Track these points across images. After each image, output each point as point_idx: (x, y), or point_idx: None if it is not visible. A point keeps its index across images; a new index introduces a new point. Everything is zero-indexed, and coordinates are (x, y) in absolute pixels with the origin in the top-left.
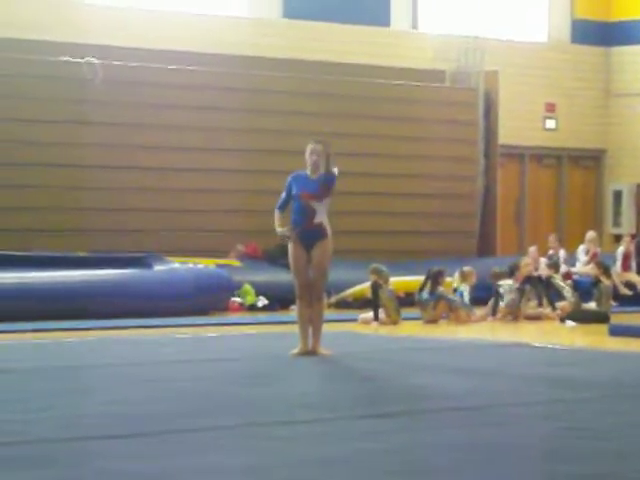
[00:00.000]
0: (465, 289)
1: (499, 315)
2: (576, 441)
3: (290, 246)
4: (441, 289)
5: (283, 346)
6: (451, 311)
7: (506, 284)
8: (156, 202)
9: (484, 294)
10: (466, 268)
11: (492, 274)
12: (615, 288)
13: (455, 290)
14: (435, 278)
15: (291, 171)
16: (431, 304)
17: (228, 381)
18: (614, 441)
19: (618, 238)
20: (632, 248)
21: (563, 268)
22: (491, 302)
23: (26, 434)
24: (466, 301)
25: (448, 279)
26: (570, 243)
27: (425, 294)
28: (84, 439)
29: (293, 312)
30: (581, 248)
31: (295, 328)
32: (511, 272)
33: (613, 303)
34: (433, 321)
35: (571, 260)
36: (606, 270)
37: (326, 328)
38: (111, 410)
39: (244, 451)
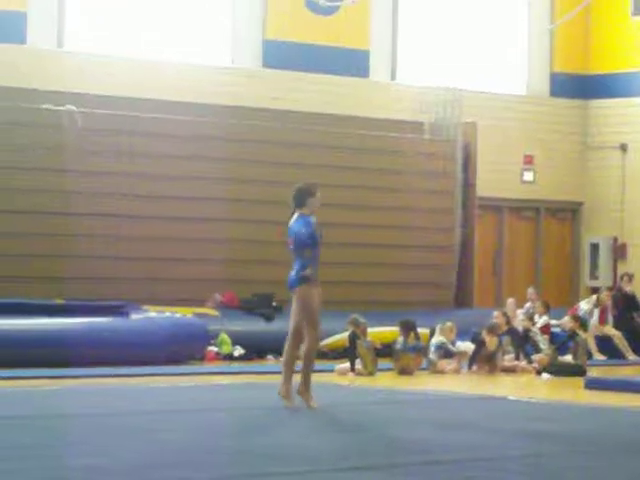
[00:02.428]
0: (439, 342)
1: (475, 367)
2: None
3: (308, 290)
4: (413, 341)
5: (260, 397)
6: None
7: (493, 339)
8: (134, 250)
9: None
10: (448, 323)
11: (486, 328)
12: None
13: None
14: (406, 329)
15: (270, 221)
16: (408, 355)
17: (205, 432)
18: None
19: (595, 291)
20: (609, 302)
21: (542, 321)
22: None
23: None
24: (439, 355)
25: (419, 330)
26: (547, 295)
27: (398, 345)
28: None
29: (269, 362)
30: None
31: (270, 378)
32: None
33: (600, 357)
34: (408, 372)
35: (553, 313)
36: (582, 323)
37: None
38: (88, 462)
39: None
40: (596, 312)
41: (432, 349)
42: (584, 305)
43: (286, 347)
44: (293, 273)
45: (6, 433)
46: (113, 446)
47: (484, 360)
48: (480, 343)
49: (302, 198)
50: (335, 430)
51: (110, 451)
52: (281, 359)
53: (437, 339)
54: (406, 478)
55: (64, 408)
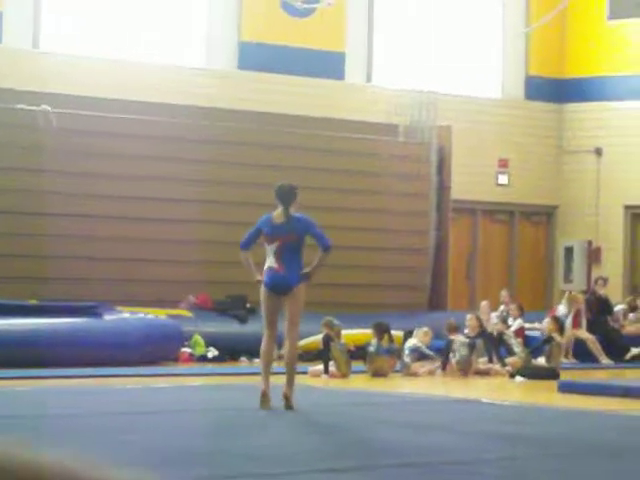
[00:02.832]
0: (414, 346)
1: (448, 369)
2: None
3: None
4: (386, 344)
5: (234, 398)
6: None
7: (458, 339)
8: (108, 251)
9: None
10: (424, 328)
11: (447, 325)
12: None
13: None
14: (379, 332)
15: (242, 222)
16: (382, 357)
17: (179, 433)
18: None
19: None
20: (582, 305)
21: (517, 324)
22: (441, 356)
23: None
24: (412, 358)
25: (392, 332)
26: (522, 299)
27: (372, 347)
28: None
29: (243, 363)
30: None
31: (244, 380)
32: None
33: (571, 360)
34: (382, 374)
35: (527, 316)
36: (562, 326)
37: (276, 380)
38: None
39: None
40: (570, 315)
41: (406, 352)
42: (562, 308)
43: (267, 347)
44: (290, 271)
45: None
46: (86, 447)
47: (457, 365)
48: (448, 344)
49: (292, 196)
50: (310, 432)
51: (83, 452)
52: (257, 361)
53: (412, 342)
54: None
55: (36, 409)
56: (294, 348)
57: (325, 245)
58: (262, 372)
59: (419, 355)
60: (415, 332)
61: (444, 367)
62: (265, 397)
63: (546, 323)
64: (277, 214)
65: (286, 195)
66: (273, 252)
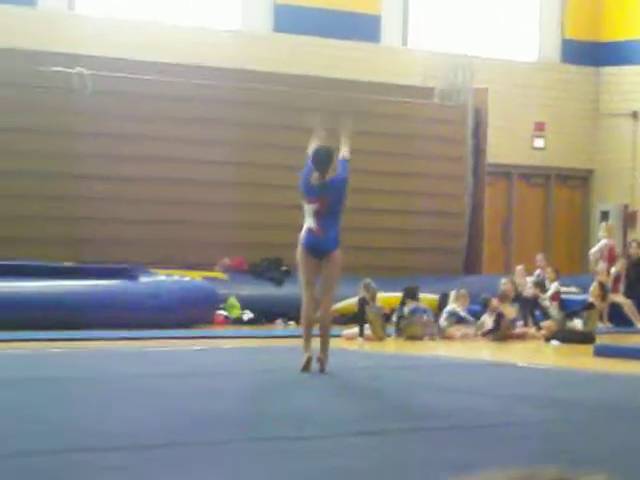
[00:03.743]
0: (452, 310)
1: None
2: (558, 464)
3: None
4: (421, 305)
5: (269, 361)
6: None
7: (509, 309)
8: (144, 214)
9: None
10: (462, 291)
11: (498, 295)
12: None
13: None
14: (413, 294)
15: (278, 185)
16: (416, 317)
17: (216, 396)
18: (597, 465)
19: None
20: (624, 271)
21: (554, 287)
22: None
23: (13, 447)
24: (450, 322)
25: (427, 295)
26: (557, 263)
27: (412, 305)
28: (73, 451)
29: (279, 326)
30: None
31: (279, 342)
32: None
33: (608, 325)
34: (416, 337)
35: (562, 280)
36: (606, 292)
37: (314, 343)
38: (98, 424)
39: (230, 467)
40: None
41: (444, 315)
42: (601, 242)
43: (309, 310)
44: (328, 235)
45: (20, 396)
46: (123, 409)
47: (505, 330)
48: (498, 316)
49: (328, 161)
50: (347, 395)
51: (121, 414)
52: (292, 323)
53: (450, 306)
54: (416, 443)
55: (74, 371)
56: (329, 313)
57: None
58: (304, 336)
59: (457, 319)
60: (453, 296)
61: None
62: (308, 362)
63: (592, 288)
64: (315, 176)
65: (323, 158)
66: (312, 213)
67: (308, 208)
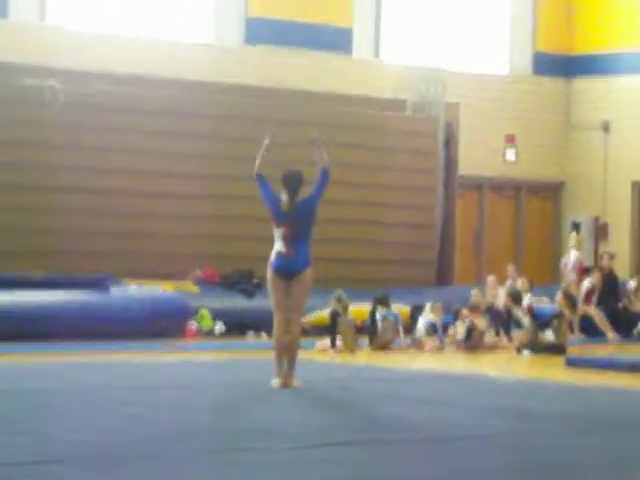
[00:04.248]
0: (432, 320)
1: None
2: (529, 475)
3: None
4: (392, 311)
5: (240, 373)
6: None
7: (480, 319)
8: (115, 225)
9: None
10: (437, 303)
11: (469, 307)
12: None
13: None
14: (384, 302)
15: (250, 197)
16: (387, 322)
17: (186, 408)
18: (566, 476)
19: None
20: (599, 284)
21: (528, 299)
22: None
23: None
24: (427, 331)
25: (399, 306)
26: (528, 274)
27: (383, 311)
28: (44, 463)
29: (249, 338)
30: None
31: (250, 354)
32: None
33: (579, 335)
34: (387, 343)
35: (534, 291)
36: (573, 303)
37: None
38: (69, 436)
39: (204, 479)
40: (583, 292)
41: (424, 326)
42: (573, 255)
43: (280, 333)
44: (298, 255)
45: None
46: (94, 421)
47: (476, 340)
48: (470, 329)
49: (298, 183)
50: (317, 407)
51: (92, 426)
52: (264, 335)
53: (427, 317)
54: (388, 454)
55: (44, 382)
56: (297, 334)
57: (324, 175)
58: (276, 359)
59: (433, 330)
60: (429, 307)
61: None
62: (281, 387)
63: (557, 298)
64: (284, 203)
65: (293, 182)
66: (281, 237)
67: (277, 232)
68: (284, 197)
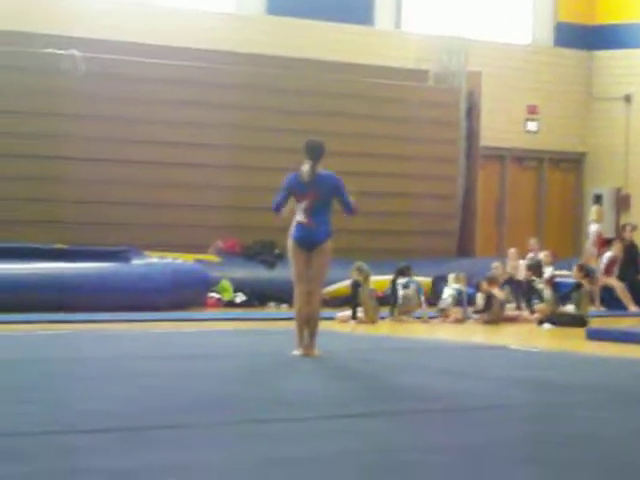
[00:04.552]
0: (459, 288)
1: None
2: (549, 447)
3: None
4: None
5: (262, 343)
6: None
7: (499, 291)
8: (136, 196)
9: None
10: (461, 273)
11: (487, 278)
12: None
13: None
14: (405, 273)
15: (271, 168)
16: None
17: (208, 378)
18: (586, 448)
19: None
20: (620, 255)
21: (550, 271)
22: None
23: (6, 427)
24: (454, 300)
25: (421, 278)
26: (550, 246)
27: (404, 280)
28: (66, 433)
29: (271, 309)
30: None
31: (271, 325)
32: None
33: (600, 308)
34: (406, 312)
35: (555, 263)
36: (588, 274)
37: None
38: (91, 405)
39: (224, 449)
40: (604, 263)
41: (452, 294)
42: (593, 227)
43: (301, 304)
44: (318, 226)
45: (7, 377)
46: (115, 391)
47: (496, 312)
48: (489, 297)
49: (320, 152)
50: (339, 377)
51: (113, 396)
52: (285, 306)
53: (453, 286)
54: (406, 425)
55: (65, 352)
56: (318, 306)
57: (349, 211)
58: (297, 332)
59: (459, 300)
60: (453, 277)
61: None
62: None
63: (574, 271)
64: (305, 171)
65: (315, 151)
66: (303, 209)
67: (299, 205)
68: (305, 167)
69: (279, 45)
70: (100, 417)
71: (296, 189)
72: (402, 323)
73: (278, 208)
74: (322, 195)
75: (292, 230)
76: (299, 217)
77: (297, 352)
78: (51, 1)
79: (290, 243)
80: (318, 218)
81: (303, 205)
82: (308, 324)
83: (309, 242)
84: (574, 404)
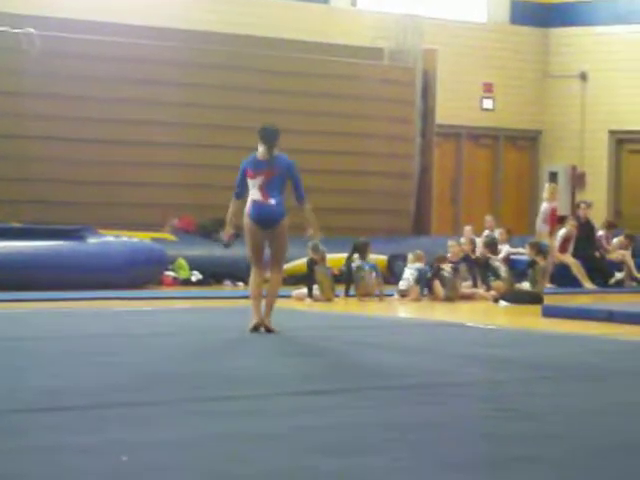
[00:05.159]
0: (419, 267)
1: (436, 295)
2: (506, 422)
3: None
4: (371, 262)
5: (218, 321)
6: (381, 286)
7: (448, 267)
8: (91, 174)
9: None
10: (418, 251)
11: (436, 257)
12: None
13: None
14: (362, 249)
15: (226, 145)
16: (366, 271)
17: (163, 356)
18: (544, 423)
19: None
20: (574, 232)
21: (506, 249)
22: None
23: None
24: (415, 279)
25: (376, 256)
26: (506, 223)
27: (358, 262)
28: (19, 412)
29: (227, 287)
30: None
31: (227, 303)
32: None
33: (549, 285)
34: (367, 294)
35: (511, 241)
36: (540, 251)
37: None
38: (46, 384)
39: (180, 426)
40: (558, 240)
41: (412, 274)
42: (545, 204)
43: (258, 283)
44: (274, 203)
45: None
46: (72, 369)
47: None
48: (436, 269)
49: (275, 137)
50: (294, 354)
51: (69, 374)
52: (241, 284)
53: (413, 265)
54: (366, 402)
55: (20, 331)
56: (278, 284)
57: (300, 196)
58: (253, 307)
59: (419, 279)
60: (412, 256)
61: (430, 291)
62: (256, 327)
63: (526, 249)
64: (261, 152)
65: (270, 135)
66: (257, 186)
67: (252, 182)
68: (261, 148)
69: (233, 23)
70: (56, 395)
71: (251, 166)
72: (360, 301)
73: (239, 196)
74: (277, 172)
75: (248, 209)
76: (253, 195)
77: (254, 320)
78: None
79: (247, 222)
80: (273, 194)
81: (259, 181)
82: (266, 300)
83: (266, 221)
84: (531, 380)
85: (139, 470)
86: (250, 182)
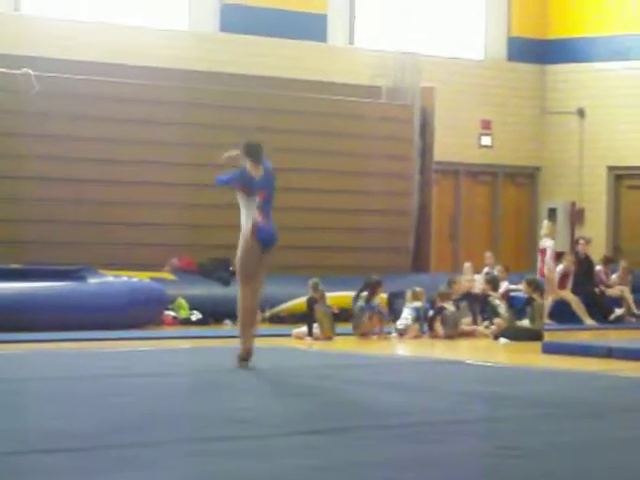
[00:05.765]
0: (418, 306)
1: (436, 333)
2: (507, 460)
3: None
4: (377, 301)
5: (218, 361)
6: (382, 325)
7: (449, 305)
8: (91, 215)
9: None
10: (418, 288)
11: (439, 294)
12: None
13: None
14: (373, 288)
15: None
16: (367, 314)
17: (163, 396)
18: (544, 461)
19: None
20: (572, 268)
21: (505, 286)
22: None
23: None
24: (414, 318)
25: (382, 295)
26: (505, 260)
27: (361, 302)
28: (19, 454)
29: (226, 326)
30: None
31: (227, 342)
32: (448, 286)
33: (548, 321)
34: (364, 334)
35: (511, 278)
36: (537, 288)
37: (260, 342)
38: (46, 425)
39: (178, 467)
40: (557, 277)
41: (411, 313)
42: (547, 241)
43: (249, 301)
44: (271, 225)
45: None
46: (72, 411)
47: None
48: (439, 309)
49: (262, 153)
50: (294, 394)
51: (69, 415)
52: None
53: (412, 304)
54: (365, 441)
55: (21, 372)
56: (259, 300)
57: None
58: (244, 325)
59: (418, 317)
60: (410, 294)
61: (431, 329)
62: (248, 353)
63: (523, 286)
64: (253, 168)
65: (259, 152)
66: (256, 206)
67: (251, 201)
68: (249, 165)
69: (233, 63)
70: (56, 437)
71: (248, 183)
72: (359, 341)
73: (222, 183)
74: (269, 190)
75: (251, 231)
76: (254, 217)
77: (241, 348)
78: (4, 20)
79: (250, 243)
80: (268, 215)
81: (256, 202)
82: (251, 320)
83: (269, 243)
84: (531, 418)
85: None
86: (246, 201)
